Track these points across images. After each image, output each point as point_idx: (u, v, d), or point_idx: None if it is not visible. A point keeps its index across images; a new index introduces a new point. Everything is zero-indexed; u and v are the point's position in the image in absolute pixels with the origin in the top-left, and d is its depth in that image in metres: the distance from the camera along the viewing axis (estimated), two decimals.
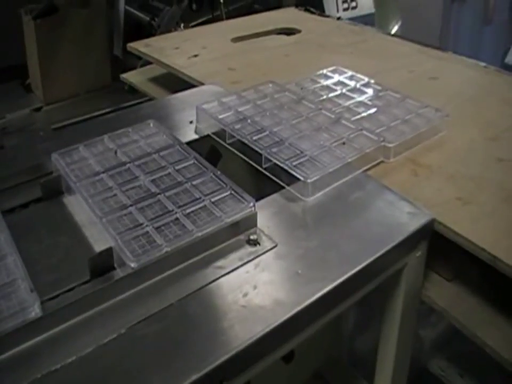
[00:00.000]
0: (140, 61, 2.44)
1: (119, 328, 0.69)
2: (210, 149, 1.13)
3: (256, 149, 1.02)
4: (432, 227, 0.91)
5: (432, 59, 1.56)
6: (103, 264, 0.78)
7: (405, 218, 0.90)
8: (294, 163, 0.97)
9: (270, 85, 1.28)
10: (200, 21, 3.20)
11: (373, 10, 3.70)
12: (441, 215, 0.91)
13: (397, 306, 0.98)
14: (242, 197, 0.87)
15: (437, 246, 0.94)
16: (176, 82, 1.52)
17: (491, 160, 1.08)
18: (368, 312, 1.77)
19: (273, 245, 0.83)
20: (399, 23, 3.76)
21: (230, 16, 2.73)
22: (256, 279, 0.77)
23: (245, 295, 0.74)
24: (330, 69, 1.38)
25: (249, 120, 1.11)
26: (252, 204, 0.85)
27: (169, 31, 2.76)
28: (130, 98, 2.87)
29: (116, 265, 0.78)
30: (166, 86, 1.62)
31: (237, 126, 1.09)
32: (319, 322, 0.79)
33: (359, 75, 1.35)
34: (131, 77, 1.75)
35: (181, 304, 0.73)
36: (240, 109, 1.16)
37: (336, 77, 1.34)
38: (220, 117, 1.13)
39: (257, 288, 0.75)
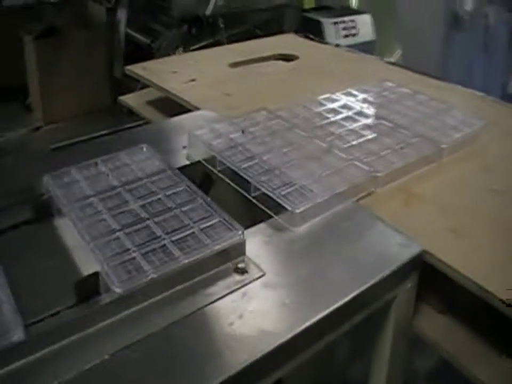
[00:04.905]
0: (139, 83, 2.45)
1: (102, 354, 0.69)
2: (202, 175, 1.13)
3: (246, 177, 1.01)
4: (422, 258, 0.90)
5: (428, 88, 1.56)
6: (89, 289, 0.78)
7: (395, 249, 0.89)
8: (283, 192, 0.96)
9: (264, 112, 1.27)
10: (201, 45, 3.23)
11: (373, 37, 3.74)
12: (433, 246, 0.90)
13: (387, 337, 0.97)
14: (231, 224, 0.86)
15: (429, 278, 0.93)
16: (173, 105, 1.52)
17: (485, 191, 1.07)
18: (360, 340, 1.76)
19: (261, 273, 0.82)
20: (399, 52, 3.79)
21: (231, 41, 2.75)
22: (242, 308, 0.76)
23: (231, 324, 0.74)
24: (324, 96, 1.38)
25: (240, 148, 1.11)
26: (240, 232, 0.85)
27: (168, 54, 2.78)
28: (129, 120, 2.88)
29: (101, 290, 0.78)
30: (163, 110, 1.63)
31: (228, 153, 1.09)
32: (307, 353, 0.78)
33: (351, 103, 1.35)
34: (129, 99, 1.76)
35: (166, 331, 0.72)
36: (231, 136, 1.16)
37: (329, 105, 1.34)
38: (211, 143, 1.12)
39: (243, 317, 0.75)
